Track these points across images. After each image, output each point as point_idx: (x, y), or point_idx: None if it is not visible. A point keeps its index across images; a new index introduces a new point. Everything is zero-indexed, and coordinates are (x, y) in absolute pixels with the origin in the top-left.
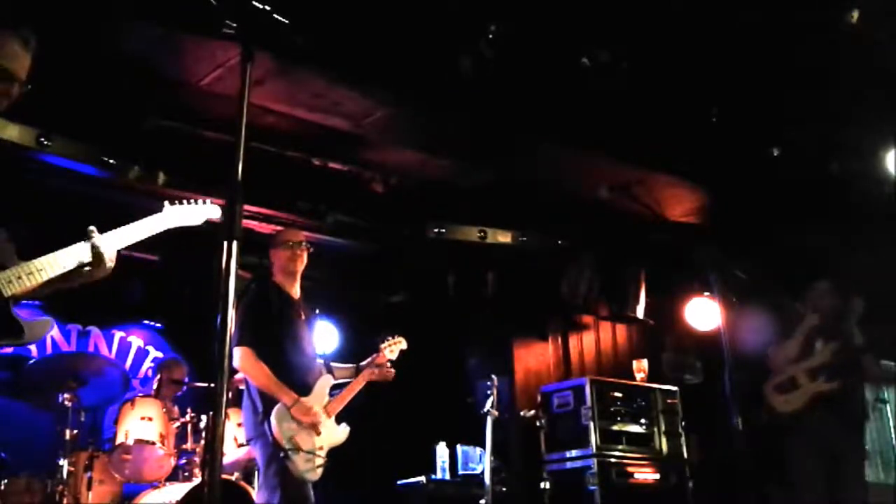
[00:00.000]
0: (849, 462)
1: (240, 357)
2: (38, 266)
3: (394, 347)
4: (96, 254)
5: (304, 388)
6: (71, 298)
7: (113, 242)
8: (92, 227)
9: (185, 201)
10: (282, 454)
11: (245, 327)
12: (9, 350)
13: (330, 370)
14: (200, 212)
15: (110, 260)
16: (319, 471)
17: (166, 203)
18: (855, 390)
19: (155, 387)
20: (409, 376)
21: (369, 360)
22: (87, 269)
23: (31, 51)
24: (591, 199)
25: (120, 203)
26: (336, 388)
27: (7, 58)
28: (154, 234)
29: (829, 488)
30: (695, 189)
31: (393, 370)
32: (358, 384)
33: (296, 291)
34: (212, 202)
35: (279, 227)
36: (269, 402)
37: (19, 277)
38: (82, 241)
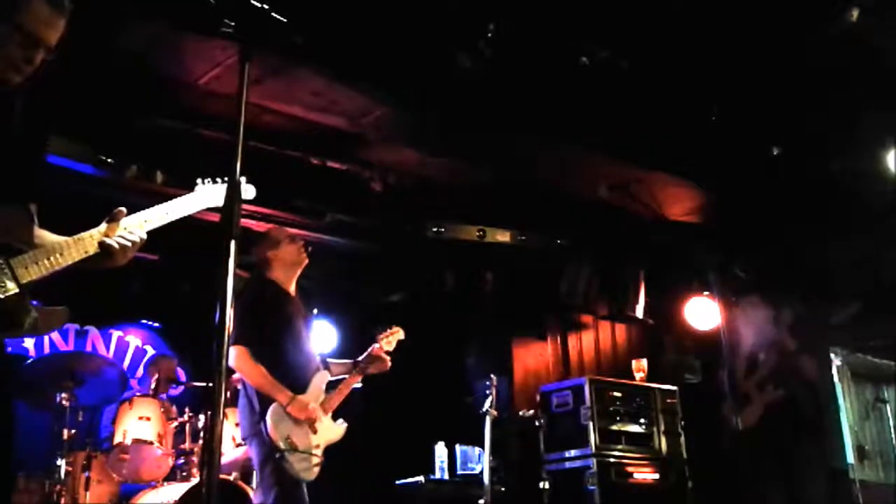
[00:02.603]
0: (806, 465)
1: (235, 356)
2: (59, 248)
3: (391, 338)
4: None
5: (302, 386)
6: (68, 298)
7: (143, 222)
8: (121, 209)
9: (217, 180)
10: (277, 455)
11: (242, 326)
12: (7, 349)
13: (326, 366)
14: None
15: (140, 240)
16: (316, 470)
17: (198, 180)
18: (802, 394)
19: (152, 386)
20: (407, 376)
21: (366, 353)
22: (108, 254)
23: (65, 14)
24: (590, 199)
25: (118, 202)
26: (332, 385)
27: (33, 21)
28: (188, 214)
29: (790, 492)
30: (695, 188)
31: (389, 361)
32: (354, 379)
33: (293, 289)
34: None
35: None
36: (265, 401)
37: (37, 262)
38: (105, 222)
